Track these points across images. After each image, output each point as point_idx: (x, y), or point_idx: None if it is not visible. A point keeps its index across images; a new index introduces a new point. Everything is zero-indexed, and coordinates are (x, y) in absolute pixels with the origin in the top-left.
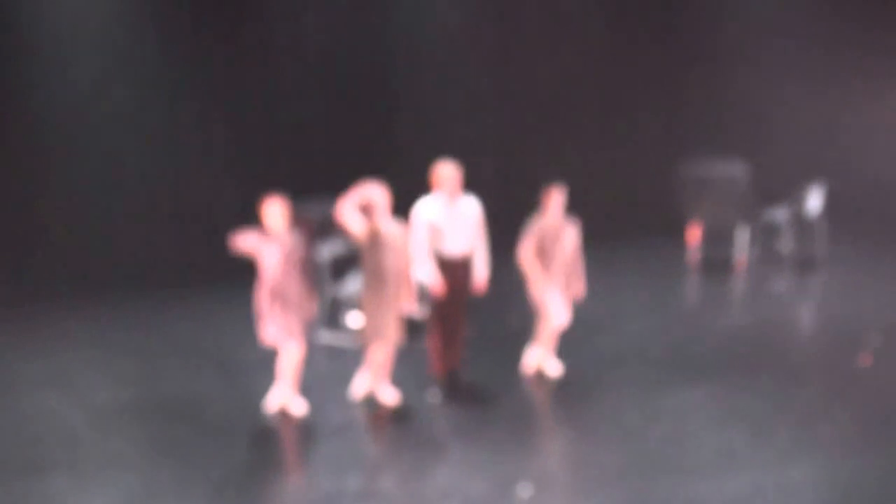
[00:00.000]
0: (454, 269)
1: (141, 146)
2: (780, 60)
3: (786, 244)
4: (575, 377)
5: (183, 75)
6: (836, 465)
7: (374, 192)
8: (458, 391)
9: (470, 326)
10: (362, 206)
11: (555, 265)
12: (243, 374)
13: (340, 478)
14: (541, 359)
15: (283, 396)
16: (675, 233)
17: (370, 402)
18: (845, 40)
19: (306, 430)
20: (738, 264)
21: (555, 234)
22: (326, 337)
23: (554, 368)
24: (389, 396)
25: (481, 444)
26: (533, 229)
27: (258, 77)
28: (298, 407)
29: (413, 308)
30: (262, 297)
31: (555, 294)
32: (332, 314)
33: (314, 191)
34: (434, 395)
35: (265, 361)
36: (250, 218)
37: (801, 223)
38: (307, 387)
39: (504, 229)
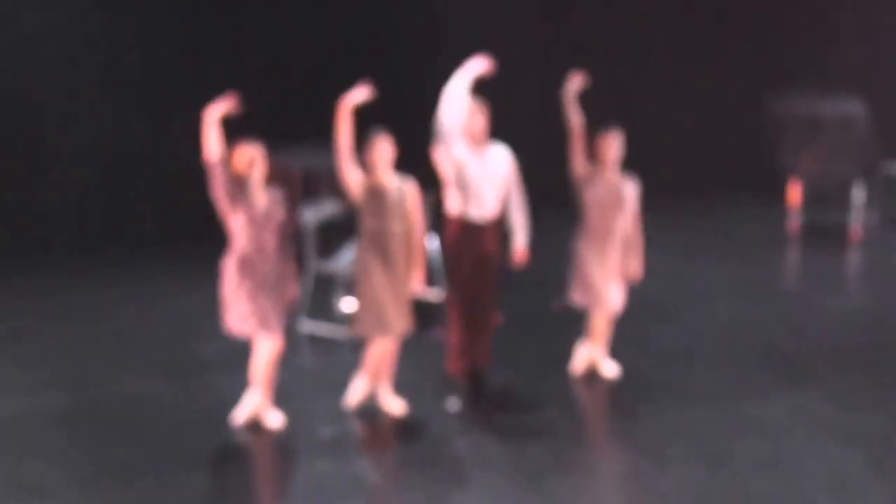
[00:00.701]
0: (480, 237)
1: (72, 88)
2: None
3: None
4: (636, 380)
5: None
6: None
7: (381, 145)
8: (485, 397)
9: (501, 312)
10: (367, 159)
11: (612, 238)
12: (203, 374)
13: None
14: (594, 357)
15: (256, 405)
16: (770, 191)
17: (369, 411)
18: None
19: (285, 449)
20: (852, 232)
21: (612, 197)
22: (311, 327)
23: (610, 369)
24: (394, 405)
25: (513, 468)
26: (582, 194)
27: None
28: (275, 419)
29: (424, 288)
30: (228, 274)
31: (610, 273)
32: (318, 296)
33: (298, 138)
34: (453, 404)
35: (231, 358)
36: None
37: None
38: (287, 392)
39: (543, 188)
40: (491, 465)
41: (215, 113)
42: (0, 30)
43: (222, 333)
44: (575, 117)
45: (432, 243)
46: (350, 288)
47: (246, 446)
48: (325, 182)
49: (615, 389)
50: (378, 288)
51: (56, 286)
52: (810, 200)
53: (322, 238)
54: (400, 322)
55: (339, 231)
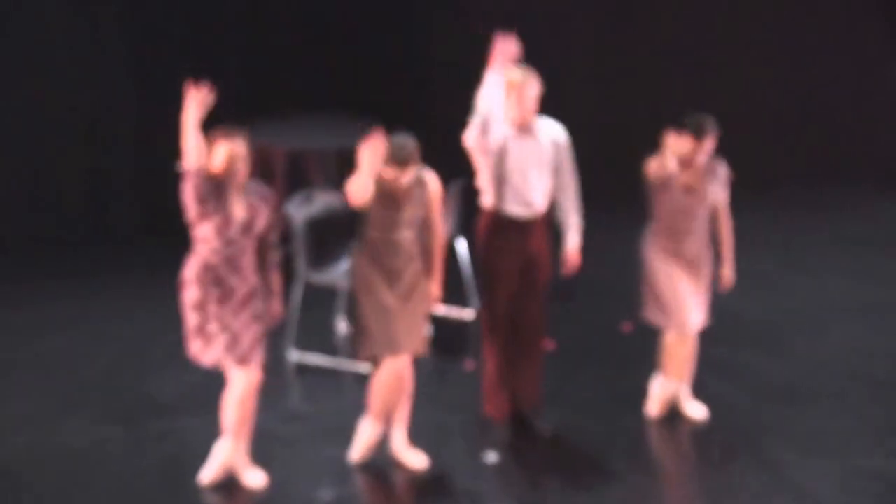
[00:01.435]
0: (524, 237)
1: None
2: None
3: None
4: (728, 424)
5: None
6: None
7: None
8: (534, 448)
9: (552, 335)
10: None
11: (691, 241)
12: (161, 418)
13: None
14: (674, 393)
15: (229, 458)
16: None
17: (379, 467)
18: None
19: None
20: None
21: (690, 196)
22: (301, 356)
23: (696, 410)
24: (412, 457)
25: None
26: (656, 186)
27: None
28: (254, 477)
29: (450, 305)
30: (188, 290)
31: (680, 286)
32: (310, 316)
33: (282, 111)
34: (490, 456)
35: (197, 398)
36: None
37: None
38: (271, 442)
39: (608, 175)
40: None
41: (192, 113)
42: None
43: (186, 364)
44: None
45: (462, 247)
46: (350, 304)
47: None
48: (317, 166)
49: (701, 436)
50: (384, 302)
51: None
52: None
53: (315, 240)
54: (413, 339)
55: (336, 230)
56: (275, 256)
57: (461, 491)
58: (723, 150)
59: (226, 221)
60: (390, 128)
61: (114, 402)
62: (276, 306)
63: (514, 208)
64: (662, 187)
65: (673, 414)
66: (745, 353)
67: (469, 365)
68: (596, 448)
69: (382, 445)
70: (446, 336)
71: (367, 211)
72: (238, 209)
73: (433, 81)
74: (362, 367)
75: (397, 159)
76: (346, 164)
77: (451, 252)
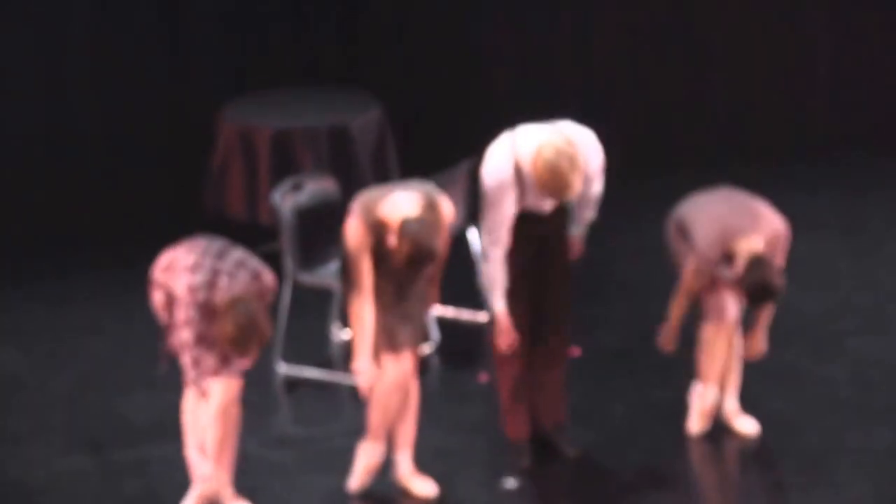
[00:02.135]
0: (538, 223)
1: None
2: None
3: None
4: (790, 442)
5: None
6: None
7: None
8: (558, 472)
9: (578, 341)
10: None
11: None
12: (134, 444)
13: None
14: (721, 405)
15: (210, 488)
16: None
17: (382, 495)
18: None
19: None
20: None
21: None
22: (291, 368)
23: (747, 424)
24: (419, 485)
25: None
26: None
27: None
28: None
29: (456, 306)
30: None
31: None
32: (300, 321)
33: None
34: (510, 481)
35: (174, 420)
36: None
37: None
38: (258, 468)
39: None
40: None
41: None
42: None
43: (163, 383)
44: None
45: (475, 238)
46: (346, 307)
47: None
48: (306, 149)
49: (753, 456)
50: (383, 301)
51: None
52: None
53: (305, 234)
54: (414, 336)
55: (329, 222)
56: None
57: None
58: (774, 114)
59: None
60: (388, 103)
61: (79, 428)
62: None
63: (528, 203)
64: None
65: (719, 430)
66: (803, 360)
67: (483, 377)
68: (629, 472)
69: (385, 471)
70: (457, 343)
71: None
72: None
73: (437, 49)
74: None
75: (409, 262)
76: (338, 146)
77: (462, 244)
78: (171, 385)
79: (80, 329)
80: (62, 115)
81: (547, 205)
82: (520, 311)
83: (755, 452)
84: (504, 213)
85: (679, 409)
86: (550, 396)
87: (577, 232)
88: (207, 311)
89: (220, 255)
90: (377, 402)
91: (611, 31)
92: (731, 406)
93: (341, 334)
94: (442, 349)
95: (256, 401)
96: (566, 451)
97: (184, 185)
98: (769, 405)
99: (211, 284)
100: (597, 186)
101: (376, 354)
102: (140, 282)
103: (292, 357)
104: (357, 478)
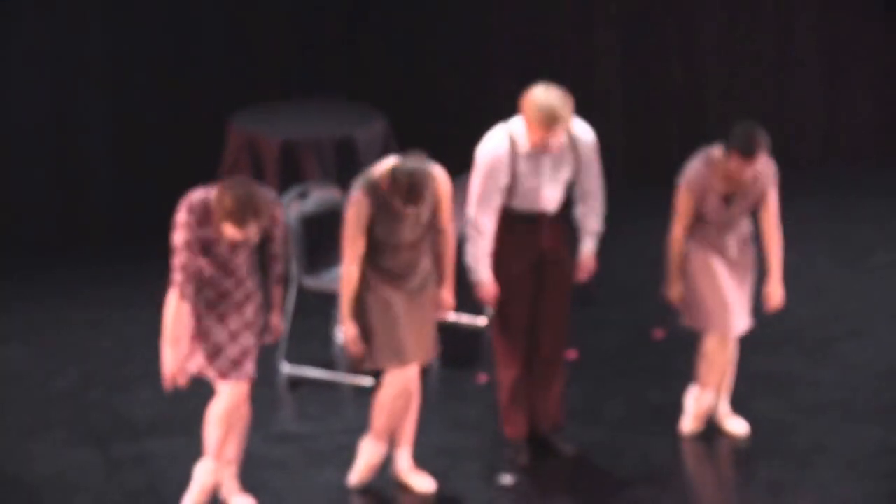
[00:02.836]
0: (536, 231)
1: None
2: None
3: None
4: (778, 442)
5: None
6: None
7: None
8: (554, 470)
9: (575, 343)
10: None
11: (732, 237)
12: (136, 439)
13: None
14: (712, 408)
15: (214, 483)
16: None
17: (383, 491)
18: None
19: None
20: None
21: (731, 201)
22: (295, 369)
23: (738, 425)
24: (419, 481)
25: None
26: (691, 191)
27: None
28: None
29: (460, 312)
30: (174, 322)
31: (722, 283)
32: (304, 324)
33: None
34: (507, 478)
35: (176, 416)
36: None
37: None
38: (262, 465)
39: (637, 160)
40: None
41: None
42: None
43: (161, 382)
44: None
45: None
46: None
47: None
48: (313, 158)
49: (743, 456)
50: (389, 304)
51: None
52: None
53: (310, 240)
54: (422, 346)
55: (333, 229)
56: (280, 268)
57: None
58: (765, 124)
59: (216, 241)
60: (393, 116)
61: (82, 423)
62: (277, 321)
63: (522, 206)
64: (700, 196)
65: (711, 431)
66: (793, 363)
67: (482, 378)
68: (624, 470)
69: (385, 467)
70: (457, 346)
71: (369, 225)
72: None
73: (440, 63)
74: (363, 380)
75: (407, 196)
76: (344, 155)
77: (460, 252)
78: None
79: (84, 327)
80: (74, 121)
81: (549, 203)
82: (519, 316)
83: (746, 452)
84: (497, 182)
85: (673, 409)
86: (548, 398)
87: (588, 249)
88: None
89: None
90: (381, 406)
91: (611, 50)
92: (723, 408)
93: (342, 336)
94: (443, 352)
95: (260, 399)
96: (562, 450)
97: (192, 190)
98: (759, 407)
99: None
100: (596, 184)
101: (382, 366)
102: (143, 282)
103: (295, 357)
104: (357, 474)
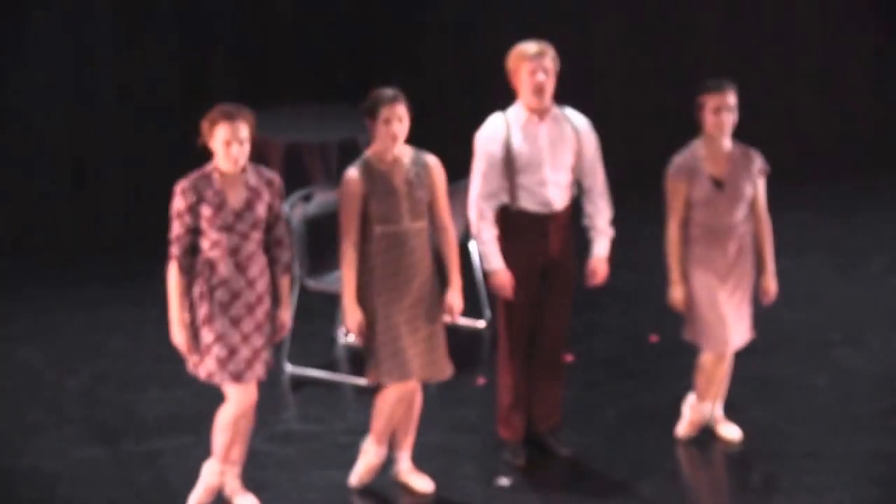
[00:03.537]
0: (539, 234)
1: None
2: None
3: None
4: (771, 447)
5: None
6: None
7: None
8: (551, 472)
9: (572, 348)
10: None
11: (728, 246)
12: (143, 438)
13: None
14: (709, 415)
15: (219, 481)
16: None
17: (383, 491)
18: None
19: None
20: None
21: (720, 184)
22: (298, 369)
23: (731, 431)
24: (418, 481)
25: None
26: (680, 175)
27: None
28: (247, 503)
29: (460, 312)
30: (177, 295)
31: (720, 299)
32: (308, 325)
33: (277, 100)
34: (504, 479)
35: (183, 416)
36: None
37: None
38: (265, 466)
39: (634, 168)
40: None
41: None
42: None
43: (174, 380)
44: None
45: (474, 250)
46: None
47: None
48: (317, 161)
49: (737, 460)
50: (397, 328)
51: None
52: None
53: (313, 242)
54: (432, 364)
55: (337, 232)
56: (287, 255)
57: None
58: (760, 134)
59: (221, 211)
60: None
61: (94, 421)
62: (285, 316)
63: (529, 205)
64: (689, 180)
65: (705, 435)
66: (787, 369)
67: (481, 380)
68: (619, 472)
69: (385, 468)
70: (456, 348)
71: (365, 207)
72: (234, 196)
73: (443, 68)
74: (364, 381)
75: (383, 99)
76: (348, 158)
77: (462, 255)
78: (181, 381)
79: (97, 329)
80: (84, 130)
81: (543, 207)
82: (521, 323)
83: (740, 457)
84: (493, 157)
85: (667, 413)
86: (546, 401)
87: (600, 252)
88: None
89: None
90: (381, 411)
91: (612, 66)
92: (717, 413)
93: (345, 338)
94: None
95: (264, 399)
96: (559, 451)
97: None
98: (753, 412)
99: None
100: (600, 179)
101: (386, 382)
102: (152, 286)
103: (298, 358)
104: (358, 475)
